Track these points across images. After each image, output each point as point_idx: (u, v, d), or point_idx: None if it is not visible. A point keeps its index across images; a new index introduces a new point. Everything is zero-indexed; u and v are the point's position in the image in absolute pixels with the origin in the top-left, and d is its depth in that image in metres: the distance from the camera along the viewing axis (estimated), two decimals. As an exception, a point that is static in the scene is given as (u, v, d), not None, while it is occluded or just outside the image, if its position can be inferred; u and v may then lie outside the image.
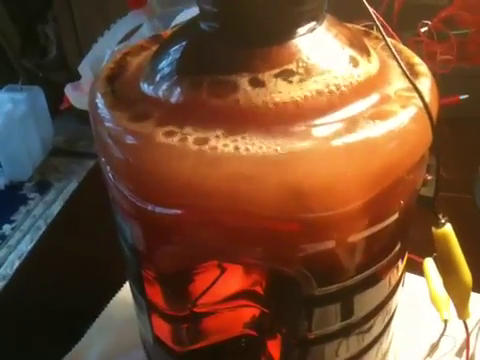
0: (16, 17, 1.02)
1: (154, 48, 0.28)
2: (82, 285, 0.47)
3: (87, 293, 0.46)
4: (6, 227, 0.83)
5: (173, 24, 0.64)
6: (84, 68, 0.61)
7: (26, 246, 0.80)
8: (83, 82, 0.61)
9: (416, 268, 0.39)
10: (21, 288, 0.50)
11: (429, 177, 0.27)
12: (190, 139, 0.22)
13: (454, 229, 0.26)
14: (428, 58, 0.51)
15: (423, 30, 0.51)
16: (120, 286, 0.46)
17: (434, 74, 0.27)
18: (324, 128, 0.22)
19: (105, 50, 0.63)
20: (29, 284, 0.50)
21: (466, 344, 0.33)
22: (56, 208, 0.87)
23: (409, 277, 0.39)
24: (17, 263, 0.75)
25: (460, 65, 0.53)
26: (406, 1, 0.58)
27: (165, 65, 0.24)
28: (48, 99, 0.95)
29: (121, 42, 0.65)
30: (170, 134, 0.22)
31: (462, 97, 0.49)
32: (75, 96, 0.61)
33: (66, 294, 0.47)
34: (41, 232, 0.77)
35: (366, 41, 0.27)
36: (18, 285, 0.51)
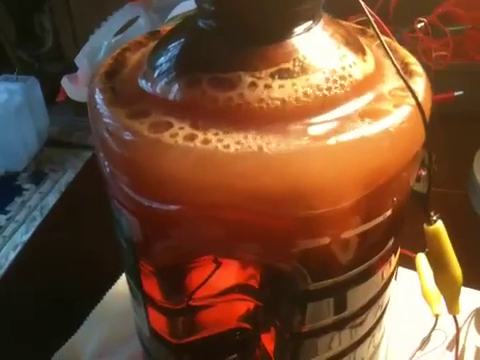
0: (12, 7, 1.02)
1: (152, 44, 0.28)
2: (78, 276, 0.47)
3: (83, 284, 0.46)
4: (1, 218, 0.83)
5: (170, 16, 0.64)
6: (81, 60, 0.61)
7: (21, 237, 0.80)
8: (79, 74, 0.61)
9: (409, 262, 0.39)
10: (16, 279, 0.50)
11: (423, 172, 0.27)
12: (187, 136, 0.22)
13: (446, 225, 0.26)
14: (424, 54, 0.51)
15: (419, 26, 0.52)
16: (116, 277, 0.46)
17: (429, 70, 0.27)
18: (319, 127, 0.22)
19: (102, 42, 0.63)
20: (24, 275, 0.50)
21: (456, 339, 0.33)
22: (51, 199, 0.87)
23: (402, 271, 0.40)
24: (12, 254, 0.75)
25: (456, 61, 0.54)
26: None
27: (163, 63, 0.24)
28: (43, 90, 0.94)
29: (118, 34, 0.65)
30: (167, 131, 0.22)
31: (457, 93, 0.50)
32: (71, 88, 0.61)
33: (62, 285, 0.47)
34: (36, 223, 0.78)
35: (362, 39, 0.27)
36: (13, 276, 0.51)
